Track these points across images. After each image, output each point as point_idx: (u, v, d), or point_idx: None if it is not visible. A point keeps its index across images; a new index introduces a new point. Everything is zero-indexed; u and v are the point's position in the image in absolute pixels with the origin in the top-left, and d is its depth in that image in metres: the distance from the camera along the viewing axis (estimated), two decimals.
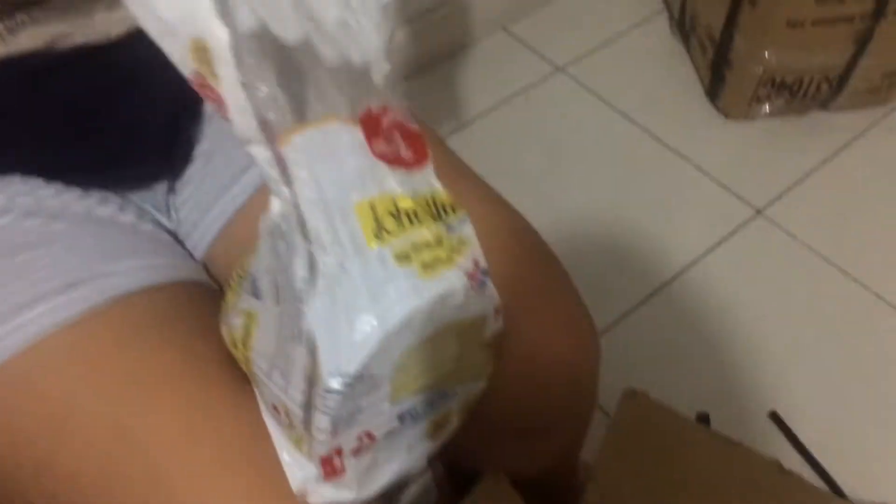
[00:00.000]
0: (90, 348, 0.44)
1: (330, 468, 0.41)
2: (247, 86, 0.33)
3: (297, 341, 0.38)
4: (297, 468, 0.42)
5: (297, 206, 0.36)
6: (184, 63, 0.32)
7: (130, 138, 0.53)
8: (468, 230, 0.42)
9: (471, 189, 0.55)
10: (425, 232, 0.40)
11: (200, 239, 0.56)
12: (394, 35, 0.38)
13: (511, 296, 0.44)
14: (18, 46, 0.45)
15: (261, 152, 0.35)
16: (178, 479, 0.42)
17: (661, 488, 0.67)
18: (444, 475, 0.55)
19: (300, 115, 0.36)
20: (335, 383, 0.37)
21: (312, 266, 0.37)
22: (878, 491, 0.88)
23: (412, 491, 0.48)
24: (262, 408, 0.43)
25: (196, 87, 0.33)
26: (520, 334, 0.50)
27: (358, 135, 0.38)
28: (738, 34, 1.17)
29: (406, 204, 0.39)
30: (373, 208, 0.38)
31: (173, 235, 0.56)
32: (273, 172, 0.35)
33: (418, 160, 0.40)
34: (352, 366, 0.37)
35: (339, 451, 0.41)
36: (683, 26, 1.33)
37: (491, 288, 0.42)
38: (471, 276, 0.41)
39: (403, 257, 0.39)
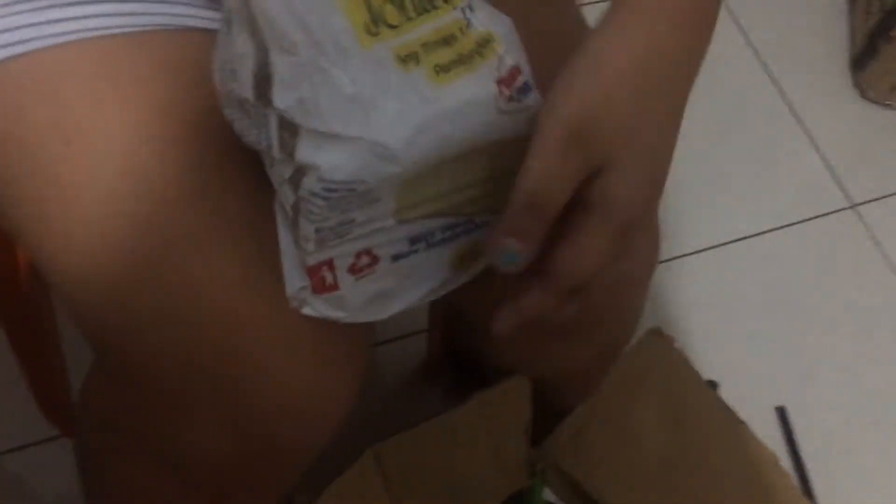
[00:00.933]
0: (122, 67, 0.41)
1: (319, 281, 0.37)
2: None
3: (283, 148, 0.34)
4: (294, 277, 0.38)
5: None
6: None
7: None
8: (502, 26, 0.35)
9: None
10: (440, 24, 0.33)
11: None
12: None
13: None
14: None
15: None
16: (177, 228, 0.40)
17: (652, 437, 0.65)
18: None
19: None
20: (315, 187, 0.33)
21: (268, 78, 0.32)
22: None
23: None
24: (276, 207, 0.39)
25: None
26: None
27: None
28: None
29: None
30: None
31: None
32: None
33: None
34: (336, 174, 0.32)
35: (330, 265, 0.37)
36: None
37: (535, 100, 0.35)
38: (502, 85, 0.34)
39: (408, 58, 0.32)
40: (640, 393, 0.66)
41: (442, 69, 0.32)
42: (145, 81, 0.41)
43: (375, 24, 0.32)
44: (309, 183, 0.33)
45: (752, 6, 1.18)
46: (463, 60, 0.33)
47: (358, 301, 0.38)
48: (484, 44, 0.34)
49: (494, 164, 0.36)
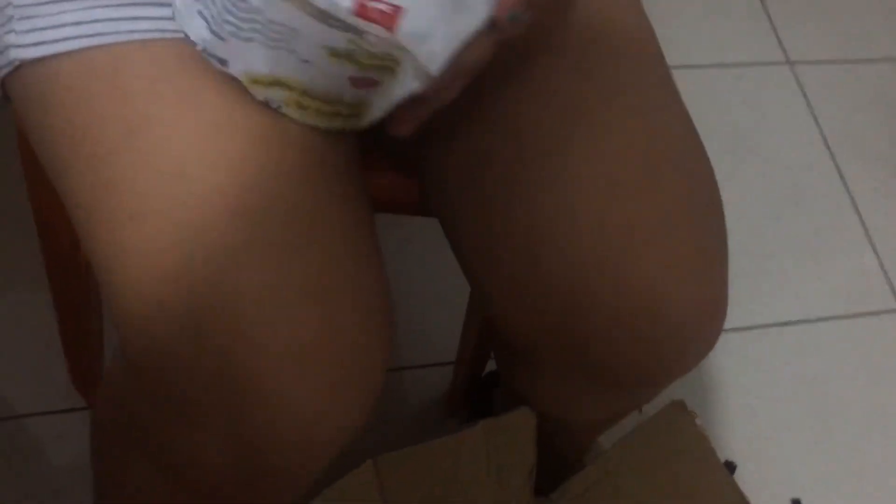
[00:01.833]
0: (185, 71, 0.43)
1: None
2: None
3: None
4: None
5: None
6: None
7: None
8: None
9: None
10: None
11: None
12: None
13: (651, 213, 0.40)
14: None
15: None
16: (216, 238, 0.40)
17: None
18: None
19: None
20: None
21: None
22: None
23: None
24: None
25: None
26: (647, 268, 0.44)
27: None
28: None
29: None
30: None
31: None
32: None
33: None
34: None
35: None
36: None
37: None
38: None
39: None
40: (654, 464, 0.66)
41: None
42: (200, 89, 0.42)
43: None
44: None
45: (823, 89, 1.18)
46: None
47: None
48: None
49: None
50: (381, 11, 0.36)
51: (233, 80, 0.43)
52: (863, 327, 1.01)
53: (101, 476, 0.49)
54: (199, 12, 0.41)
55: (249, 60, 0.41)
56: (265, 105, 0.43)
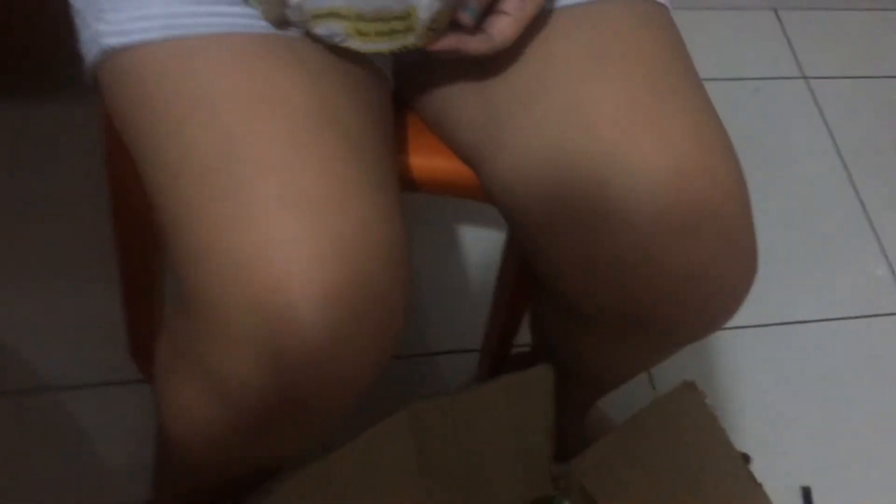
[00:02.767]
0: (254, 61, 0.48)
1: None
2: None
3: None
4: None
5: None
6: None
7: None
8: None
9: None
10: None
11: None
12: None
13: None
14: None
15: None
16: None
17: (671, 480, 0.67)
18: None
19: None
20: None
21: None
22: None
23: None
24: None
25: None
26: (680, 252, 0.50)
27: None
28: None
29: None
30: None
31: None
32: None
33: None
34: None
35: None
36: None
37: None
38: None
39: None
40: (667, 437, 0.68)
41: None
42: (266, 75, 0.48)
43: None
44: None
45: (837, 103, 1.21)
46: None
47: None
48: None
49: None
50: None
51: (301, 64, 0.48)
52: (872, 328, 1.03)
53: (162, 400, 0.54)
54: None
55: None
56: (330, 83, 0.47)
